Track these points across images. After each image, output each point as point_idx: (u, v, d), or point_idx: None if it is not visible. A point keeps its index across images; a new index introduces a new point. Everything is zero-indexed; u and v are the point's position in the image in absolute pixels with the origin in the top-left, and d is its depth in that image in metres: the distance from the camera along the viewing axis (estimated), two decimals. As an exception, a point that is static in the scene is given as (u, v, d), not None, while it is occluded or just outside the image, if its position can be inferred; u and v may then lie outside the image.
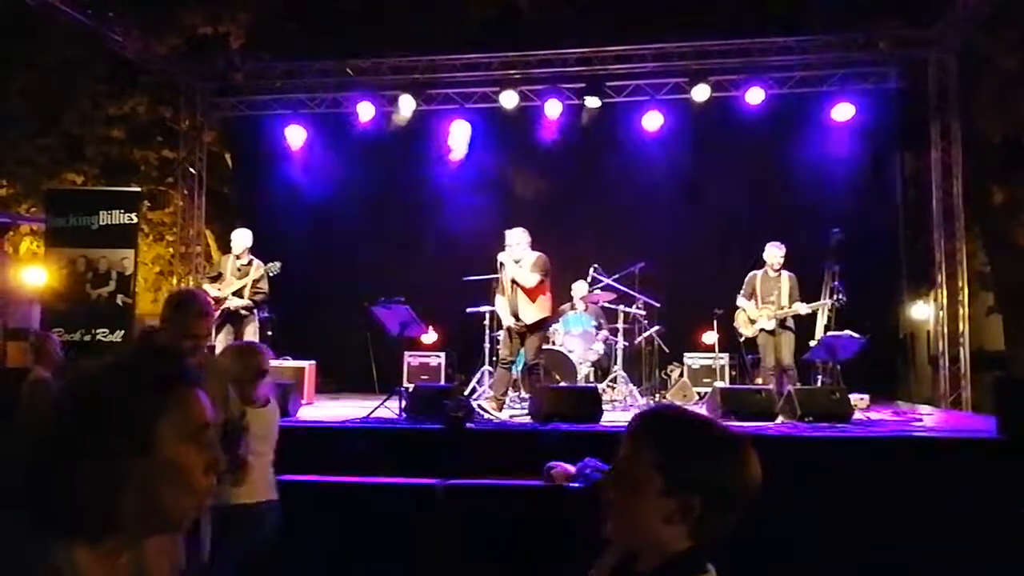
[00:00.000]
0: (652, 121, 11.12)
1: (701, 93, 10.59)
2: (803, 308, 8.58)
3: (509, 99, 10.96)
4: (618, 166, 11.65)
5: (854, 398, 7.88)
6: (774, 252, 8.83)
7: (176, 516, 1.32)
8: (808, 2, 11.34)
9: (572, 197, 11.74)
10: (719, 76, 10.80)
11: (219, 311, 8.37)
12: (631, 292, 9.81)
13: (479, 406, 7.73)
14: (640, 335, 10.01)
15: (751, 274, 8.98)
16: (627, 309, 9.89)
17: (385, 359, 9.78)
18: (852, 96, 10.68)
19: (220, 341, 8.36)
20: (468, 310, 9.69)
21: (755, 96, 10.56)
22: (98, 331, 10.57)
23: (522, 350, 8.16)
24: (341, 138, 11.86)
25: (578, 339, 9.52)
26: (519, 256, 7.98)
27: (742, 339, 9.15)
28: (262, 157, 12.34)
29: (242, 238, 8.82)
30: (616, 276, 9.82)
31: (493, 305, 8.72)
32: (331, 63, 11.46)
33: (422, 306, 8.48)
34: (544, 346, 8.73)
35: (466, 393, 8.85)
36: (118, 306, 10.76)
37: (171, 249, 14.18)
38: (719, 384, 9.16)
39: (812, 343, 8.49)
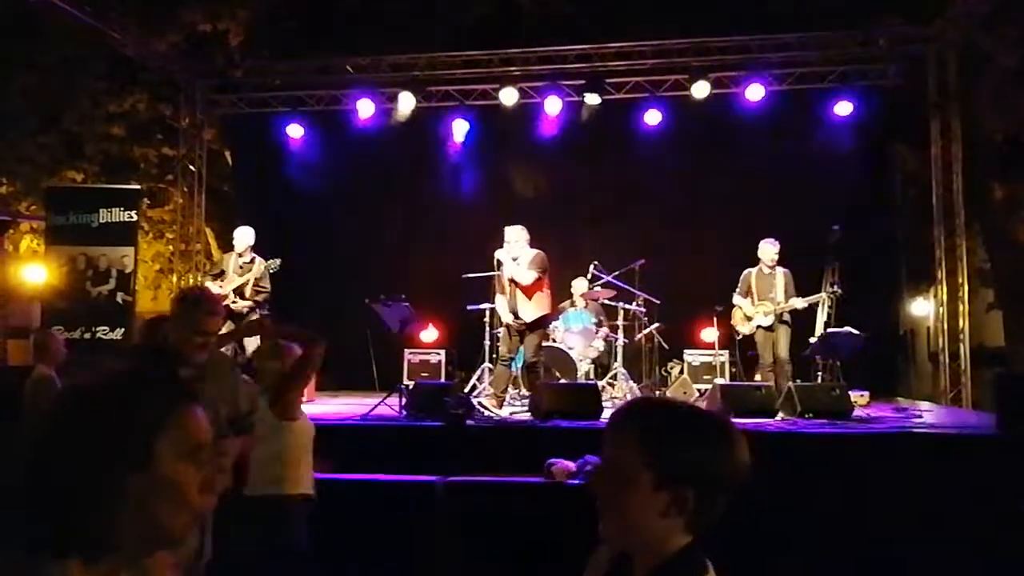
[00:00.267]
0: (652, 118, 11.10)
1: (701, 90, 10.59)
2: (800, 303, 8.58)
3: (509, 96, 10.95)
4: (618, 163, 11.64)
5: (854, 395, 7.89)
6: (768, 249, 8.84)
7: (172, 534, 1.32)
8: (808, -1, 11.35)
9: (572, 194, 11.74)
10: (719, 73, 10.79)
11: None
12: (631, 289, 9.82)
13: (479, 403, 7.74)
14: (640, 332, 10.02)
15: (746, 272, 8.99)
16: (627, 306, 9.89)
17: (385, 356, 9.79)
18: (852, 93, 10.66)
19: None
20: (468, 307, 9.69)
21: (755, 93, 10.55)
22: (98, 329, 10.58)
23: (521, 348, 8.15)
24: (341, 135, 11.85)
25: (578, 336, 9.52)
26: (517, 254, 7.97)
27: (739, 337, 9.17)
28: (262, 154, 12.32)
29: (244, 236, 8.85)
30: (616, 273, 9.82)
31: (493, 303, 8.72)
32: (331, 60, 11.45)
33: (422, 303, 8.50)
34: (544, 343, 8.74)
35: (466, 390, 8.85)
36: (118, 304, 10.76)
37: (171, 247, 14.19)
38: (719, 381, 9.16)
39: (812, 339, 8.49)
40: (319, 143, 11.89)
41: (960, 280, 10.38)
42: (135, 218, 11.20)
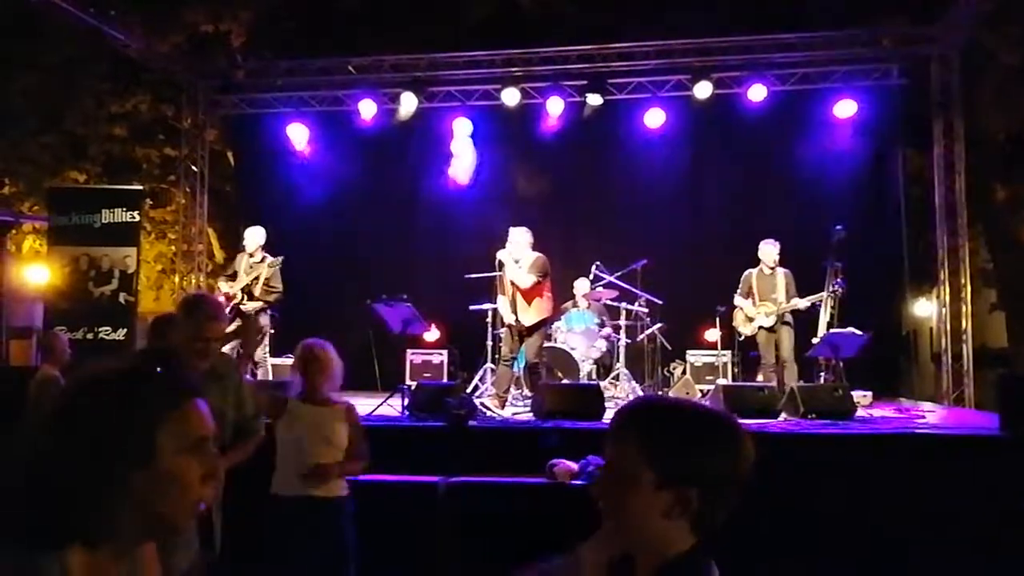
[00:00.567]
0: (654, 118, 11.09)
1: (703, 90, 10.58)
2: (802, 303, 8.57)
3: (511, 96, 10.94)
4: (620, 163, 11.64)
5: (857, 395, 7.88)
6: (769, 250, 8.84)
7: (172, 524, 1.33)
8: (810, -1, 11.34)
9: (574, 194, 11.73)
10: (721, 73, 10.78)
11: (231, 309, 8.45)
12: (633, 289, 9.81)
13: (481, 404, 7.74)
14: (642, 332, 10.01)
15: (747, 272, 8.99)
16: (629, 306, 9.88)
17: (388, 357, 9.77)
18: (855, 93, 10.64)
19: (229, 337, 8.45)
20: (470, 308, 9.68)
21: (757, 93, 10.54)
22: (100, 329, 10.58)
23: (522, 349, 8.14)
24: (343, 136, 11.85)
25: (580, 337, 9.51)
26: (519, 256, 7.96)
27: (741, 338, 9.16)
28: (264, 155, 12.33)
29: (255, 236, 8.92)
30: (618, 273, 9.81)
31: (495, 303, 8.72)
32: (332, 61, 11.45)
33: (424, 304, 8.49)
34: (546, 344, 8.73)
35: (468, 391, 8.84)
36: (120, 304, 10.77)
37: (173, 247, 14.20)
38: (722, 381, 9.15)
39: (815, 340, 8.48)
40: (321, 143, 11.89)
41: (963, 280, 10.37)
42: (137, 218, 11.21)
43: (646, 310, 9.98)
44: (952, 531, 5.43)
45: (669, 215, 11.41)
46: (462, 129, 11.47)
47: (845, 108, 10.64)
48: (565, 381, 8.88)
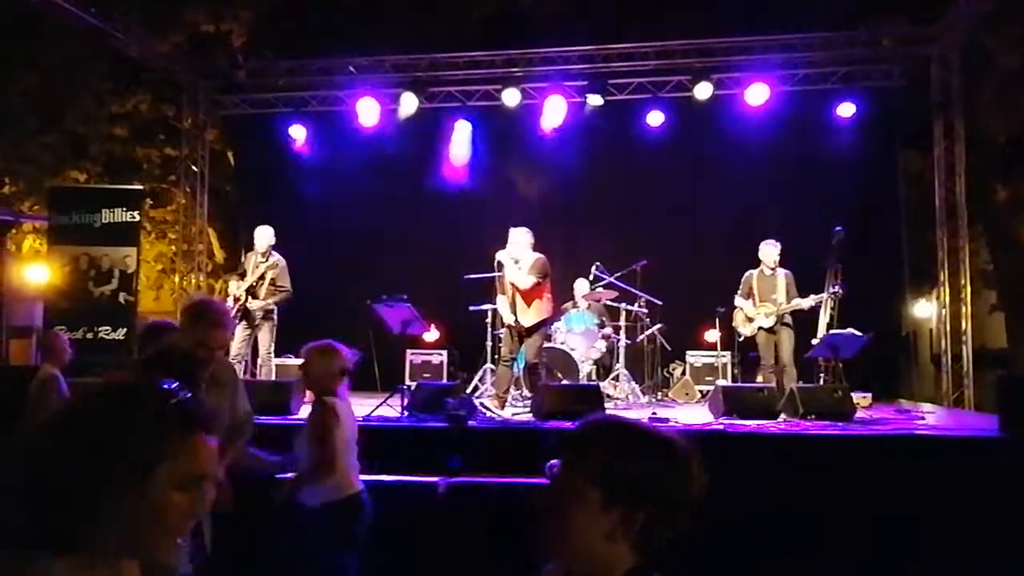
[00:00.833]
0: (655, 119, 11.09)
1: (704, 91, 10.58)
2: (805, 302, 8.57)
3: (511, 97, 10.94)
4: (620, 164, 11.63)
5: (856, 396, 7.87)
6: (769, 251, 8.84)
7: (153, 552, 1.32)
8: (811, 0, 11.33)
9: (574, 195, 11.73)
10: (722, 74, 10.78)
11: (238, 310, 8.51)
12: (633, 290, 9.81)
13: (481, 404, 7.73)
14: (642, 333, 10.01)
15: (747, 273, 8.99)
16: (629, 307, 9.89)
17: (387, 357, 9.77)
18: (855, 94, 10.65)
19: (237, 340, 8.53)
20: (470, 308, 9.69)
21: (758, 94, 10.54)
22: (100, 329, 10.60)
23: (522, 349, 8.14)
24: (343, 136, 11.85)
25: (580, 337, 9.51)
26: (518, 256, 7.95)
27: (741, 338, 9.16)
28: (264, 155, 12.33)
29: (263, 235, 8.98)
30: (618, 274, 9.82)
31: (495, 303, 8.72)
32: (333, 61, 11.45)
33: (424, 304, 8.49)
34: (546, 344, 8.73)
35: (468, 391, 8.85)
36: (120, 304, 10.79)
37: (173, 247, 14.20)
38: (721, 382, 9.15)
39: (814, 341, 8.48)
40: (321, 143, 11.89)
41: (963, 281, 10.37)
42: (137, 218, 11.24)
43: (646, 311, 9.98)
44: (952, 532, 5.43)
45: (669, 216, 11.42)
46: (463, 132, 11.50)
47: (845, 109, 10.65)
48: (565, 382, 8.88)
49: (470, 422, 6.61)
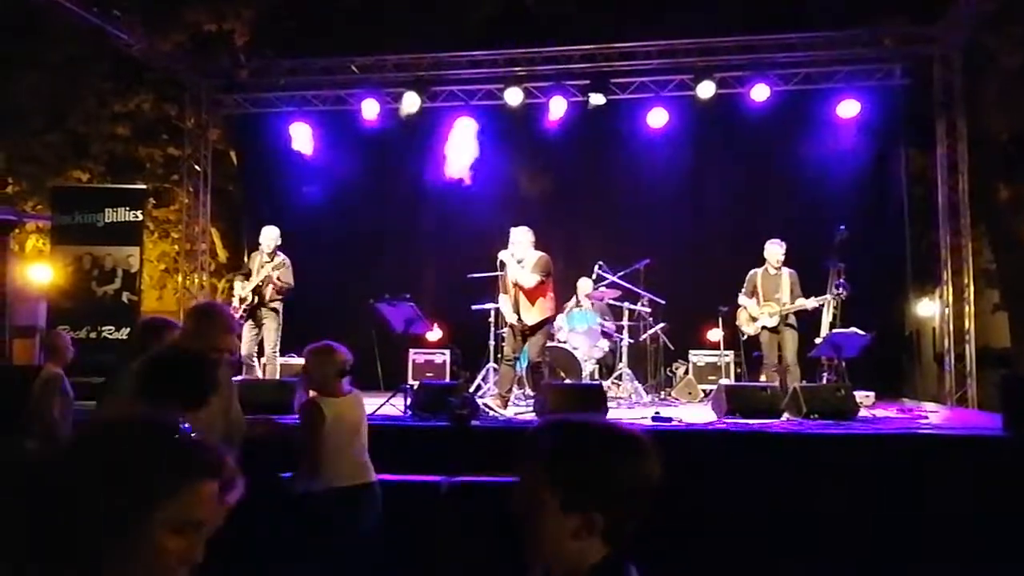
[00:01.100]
0: (657, 118, 11.08)
1: (706, 90, 10.57)
2: (810, 304, 8.57)
3: (514, 96, 10.94)
4: (623, 163, 11.64)
5: (859, 395, 7.88)
6: (774, 250, 8.84)
7: None
8: (813, -1, 11.33)
9: (577, 194, 11.74)
10: (724, 73, 10.77)
11: (245, 310, 8.61)
12: (636, 289, 9.81)
13: (484, 403, 7.74)
14: (645, 332, 10.01)
15: (752, 272, 8.98)
16: (632, 306, 9.89)
17: (390, 356, 9.78)
18: (857, 93, 10.64)
19: (245, 340, 8.66)
20: (473, 307, 9.69)
21: (760, 93, 10.53)
22: (104, 328, 10.61)
23: (525, 348, 8.14)
24: (346, 135, 11.85)
25: (583, 336, 9.51)
26: (521, 256, 7.95)
27: (744, 337, 9.16)
28: (267, 154, 12.34)
29: (269, 235, 9.05)
30: (621, 273, 9.81)
31: (498, 302, 8.72)
32: (335, 60, 11.45)
33: (427, 303, 8.50)
34: (549, 344, 8.73)
35: (471, 390, 8.85)
36: (123, 303, 10.80)
37: (176, 246, 14.21)
38: (724, 381, 9.16)
39: (817, 340, 8.48)
40: (324, 143, 11.89)
41: (966, 281, 10.36)
42: (140, 218, 11.25)
43: (649, 310, 9.98)
44: (955, 532, 5.43)
45: (672, 215, 11.41)
46: (462, 127, 11.49)
47: (848, 108, 10.63)
48: (568, 381, 8.88)
49: (473, 421, 6.61)
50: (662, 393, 10.03)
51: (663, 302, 9.89)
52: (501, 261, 8.08)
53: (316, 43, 11.95)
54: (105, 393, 3.91)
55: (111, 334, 10.59)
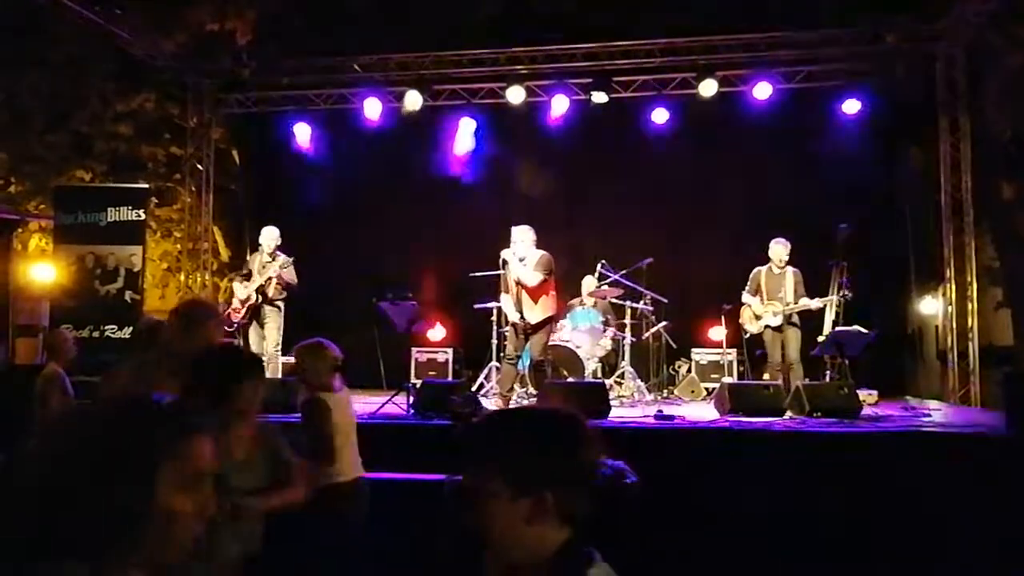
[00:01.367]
0: (659, 116, 11.09)
1: (708, 88, 10.57)
2: (814, 304, 8.56)
3: (516, 95, 10.94)
4: (625, 162, 11.63)
5: (862, 393, 7.88)
6: (779, 249, 8.83)
7: (164, 557, 1.35)
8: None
9: (579, 193, 11.73)
10: (726, 71, 10.78)
11: (247, 311, 8.64)
12: (639, 288, 9.81)
13: (486, 402, 7.74)
14: (648, 331, 10.01)
15: (756, 270, 8.98)
16: (635, 305, 9.89)
17: (392, 355, 9.79)
18: (860, 91, 10.64)
19: (252, 338, 8.84)
20: (475, 306, 9.70)
21: (762, 91, 10.53)
22: (107, 327, 10.63)
23: (528, 347, 8.14)
24: (348, 134, 11.86)
25: (586, 335, 9.51)
26: (523, 254, 7.94)
27: (747, 336, 9.16)
28: (269, 154, 12.35)
29: (269, 236, 9.09)
30: (624, 272, 9.81)
31: (499, 302, 8.73)
32: (338, 59, 11.46)
33: (429, 302, 8.50)
34: (551, 342, 8.73)
35: (473, 389, 8.85)
36: (126, 302, 10.82)
37: (179, 246, 14.20)
38: (727, 380, 9.15)
39: (820, 338, 8.48)
40: (326, 142, 11.90)
41: (969, 278, 10.36)
42: (143, 217, 11.27)
43: (651, 308, 9.98)
44: (958, 530, 5.43)
45: (674, 213, 11.42)
46: (466, 126, 11.51)
47: (850, 106, 10.63)
48: (570, 379, 8.88)
49: (475, 420, 6.61)
50: (665, 392, 10.04)
51: (666, 300, 9.89)
52: (504, 260, 8.08)
53: (318, 42, 11.94)
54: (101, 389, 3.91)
55: (114, 333, 10.60)
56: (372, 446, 4.39)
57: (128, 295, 10.84)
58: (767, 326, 8.74)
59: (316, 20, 12.49)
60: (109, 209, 10.97)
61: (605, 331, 9.70)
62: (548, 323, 8.13)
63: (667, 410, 7.75)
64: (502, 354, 8.90)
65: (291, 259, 8.88)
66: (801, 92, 10.90)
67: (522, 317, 7.94)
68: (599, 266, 9.91)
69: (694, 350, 10.61)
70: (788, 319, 8.66)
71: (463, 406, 6.59)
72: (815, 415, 7.03)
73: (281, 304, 8.92)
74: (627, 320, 9.81)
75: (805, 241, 9.15)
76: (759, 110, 10.71)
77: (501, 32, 11.68)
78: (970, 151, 10.38)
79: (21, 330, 11.81)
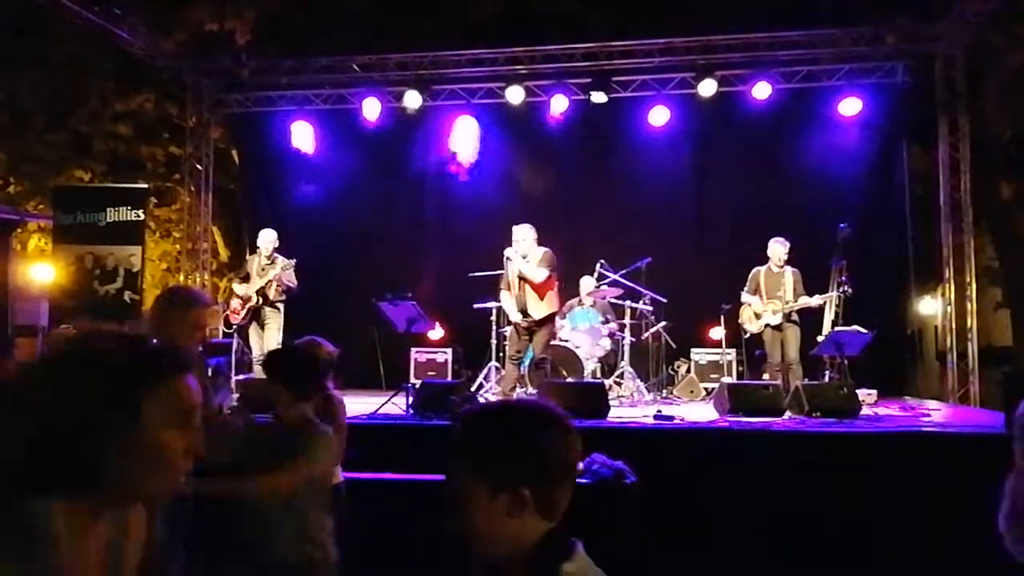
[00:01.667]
0: (659, 116, 11.08)
1: (708, 88, 10.57)
2: (814, 301, 8.56)
3: (515, 94, 10.94)
4: (624, 161, 11.63)
5: (862, 393, 7.87)
6: (778, 248, 8.83)
7: (152, 493, 1.39)
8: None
9: (578, 192, 11.72)
10: (726, 71, 10.77)
11: (247, 311, 8.65)
12: (638, 288, 9.80)
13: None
14: (647, 331, 10.00)
15: (755, 270, 8.98)
16: (634, 305, 9.88)
17: (392, 355, 9.79)
18: (859, 91, 10.63)
19: (252, 338, 8.88)
20: (475, 306, 9.69)
21: (762, 91, 10.53)
22: (106, 327, 10.61)
23: (531, 345, 8.15)
24: (347, 134, 11.85)
25: (585, 335, 9.50)
26: (526, 252, 7.98)
27: (746, 335, 9.15)
28: (268, 153, 12.33)
29: (266, 238, 9.11)
30: (623, 272, 9.80)
31: (499, 301, 8.72)
32: (337, 59, 11.45)
33: (429, 302, 8.49)
34: (551, 341, 8.73)
35: (473, 389, 8.85)
36: (125, 302, 10.82)
37: (178, 246, 14.23)
38: (726, 380, 9.14)
39: (819, 338, 8.48)
40: (326, 142, 11.89)
41: (968, 279, 10.36)
42: (142, 217, 11.26)
43: (650, 308, 9.97)
44: (957, 530, 5.42)
45: (673, 213, 11.41)
46: (465, 126, 11.50)
47: (850, 106, 10.63)
48: (569, 380, 8.88)
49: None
50: (664, 392, 10.03)
51: (665, 300, 9.88)
52: (507, 258, 8.08)
53: (317, 42, 11.96)
54: None
55: (113, 333, 10.59)
56: (371, 446, 4.38)
57: (127, 295, 10.84)
58: (767, 325, 8.74)
59: (315, 20, 12.50)
60: (108, 209, 10.96)
61: (604, 331, 9.69)
62: (552, 319, 8.16)
63: (666, 410, 7.74)
64: (502, 354, 8.90)
65: (292, 261, 8.87)
66: (800, 92, 10.90)
67: (526, 314, 7.96)
68: (598, 266, 9.90)
69: (693, 350, 10.60)
70: (788, 317, 8.66)
71: (462, 406, 6.58)
72: (814, 415, 7.02)
73: (281, 305, 8.94)
74: (626, 320, 9.80)
75: (804, 242, 9.14)
76: (758, 110, 10.71)
77: (500, 32, 11.69)
78: (969, 151, 10.37)
79: (21, 330, 11.80)
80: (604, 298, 10.04)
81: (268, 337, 8.86)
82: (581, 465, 5.31)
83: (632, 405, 8.95)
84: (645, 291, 9.81)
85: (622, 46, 10.89)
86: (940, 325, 11.05)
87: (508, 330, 8.50)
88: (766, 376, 8.80)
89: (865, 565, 5.55)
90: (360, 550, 4.33)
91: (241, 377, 8.83)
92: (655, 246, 10.03)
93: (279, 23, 12.76)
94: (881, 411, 8.02)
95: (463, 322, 10.55)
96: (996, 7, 9.54)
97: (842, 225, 8.66)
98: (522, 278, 7.94)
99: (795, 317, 8.69)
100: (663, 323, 9.93)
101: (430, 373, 10.49)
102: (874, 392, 8.81)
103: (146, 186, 12.55)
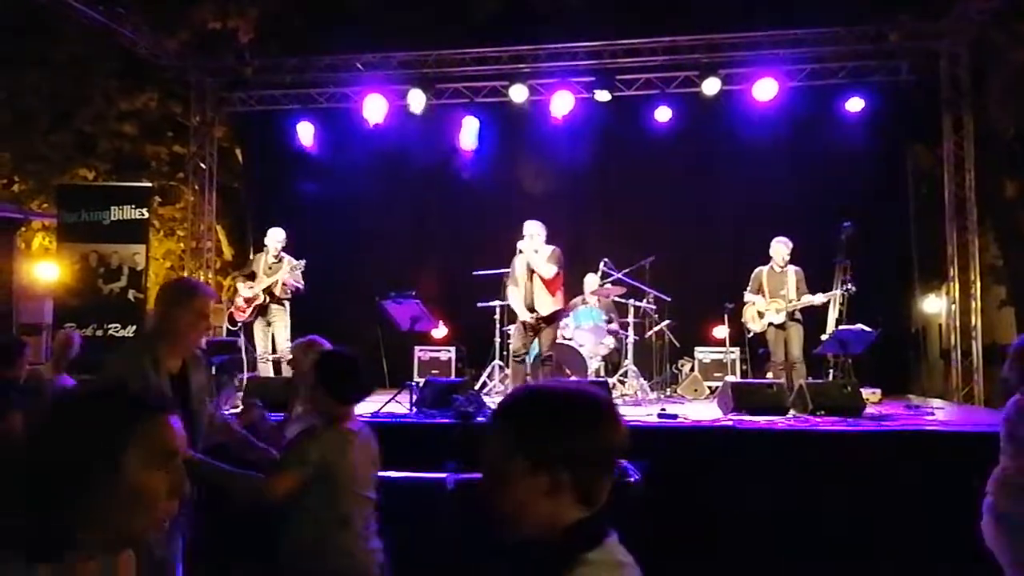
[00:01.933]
0: (662, 115, 11.09)
1: (711, 86, 10.56)
2: (817, 299, 8.56)
3: (519, 93, 10.94)
4: (628, 160, 11.62)
5: (866, 392, 7.86)
6: (780, 248, 8.83)
7: (136, 536, 1.40)
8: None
9: (582, 191, 11.73)
10: (729, 69, 10.77)
11: (253, 310, 8.67)
12: (641, 286, 9.79)
13: (490, 400, 7.74)
14: (651, 329, 10.00)
15: (757, 270, 8.98)
16: (637, 303, 9.87)
17: (396, 353, 9.80)
18: (863, 89, 10.63)
19: (258, 338, 8.89)
20: (479, 304, 9.70)
21: (766, 89, 10.52)
22: (110, 326, 10.65)
23: (536, 342, 8.15)
24: (351, 132, 11.85)
25: (589, 333, 9.51)
26: (536, 247, 7.99)
27: (750, 334, 9.15)
28: (272, 152, 12.35)
29: (274, 237, 9.16)
30: (626, 270, 9.79)
31: (503, 300, 8.72)
32: (340, 58, 11.47)
33: (432, 300, 8.49)
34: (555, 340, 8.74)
35: (476, 387, 8.85)
36: (130, 301, 10.84)
37: (182, 244, 14.23)
38: (730, 378, 9.13)
39: (823, 337, 8.46)
40: (329, 140, 11.91)
41: (972, 277, 10.34)
42: (146, 216, 11.29)
43: (654, 307, 9.97)
44: (961, 529, 5.42)
45: (677, 212, 11.40)
46: (468, 125, 11.51)
47: (854, 104, 10.63)
48: (573, 378, 8.88)
49: (478, 418, 6.61)
50: (668, 390, 10.03)
51: (668, 299, 9.87)
52: (520, 249, 8.07)
53: (321, 41, 11.95)
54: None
55: (117, 332, 10.62)
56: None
57: (131, 294, 10.86)
58: (771, 323, 8.73)
59: (318, 18, 12.50)
60: (112, 208, 10.98)
61: (608, 330, 9.69)
62: (558, 317, 8.17)
63: (670, 409, 7.74)
64: (505, 352, 8.89)
65: (302, 262, 8.89)
66: (804, 90, 10.90)
67: (532, 310, 7.96)
68: (602, 264, 9.90)
69: (697, 349, 10.60)
70: (791, 316, 8.66)
71: (466, 405, 6.59)
72: (818, 414, 7.02)
73: (287, 303, 8.97)
74: (630, 319, 9.79)
75: (808, 239, 9.14)
76: (762, 108, 10.70)
77: (504, 30, 11.67)
78: (974, 149, 10.36)
79: (25, 329, 11.83)
80: (608, 296, 10.04)
81: (277, 335, 8.89)
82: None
83: (636, 404, 8.95)
84: (649, 289, 9.80)
85: (626, 45, 10.89)
86: (944, 323, 11.03)
87: (512, 328, 8.50)
88: (770, 375, 8.80)
89: (868, 564, 5.54)
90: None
91: (248, 375, 8.84)
92: (659, 245, 10.03)
93: (282, 22, 12.76)
94: (885, 410, 8.00)
95: (467, 320, 10.56)
96: (999, 5, 9.52)
97: (846, 223, 8.64)
98: (532, 273, 7.94)
99: (798, 316, 8.68)
100: (667, 322, 9.92)
101: (433, 371, 10.50)
102: (878, 391, 8.80)
103: (150, 185, 12.57)
